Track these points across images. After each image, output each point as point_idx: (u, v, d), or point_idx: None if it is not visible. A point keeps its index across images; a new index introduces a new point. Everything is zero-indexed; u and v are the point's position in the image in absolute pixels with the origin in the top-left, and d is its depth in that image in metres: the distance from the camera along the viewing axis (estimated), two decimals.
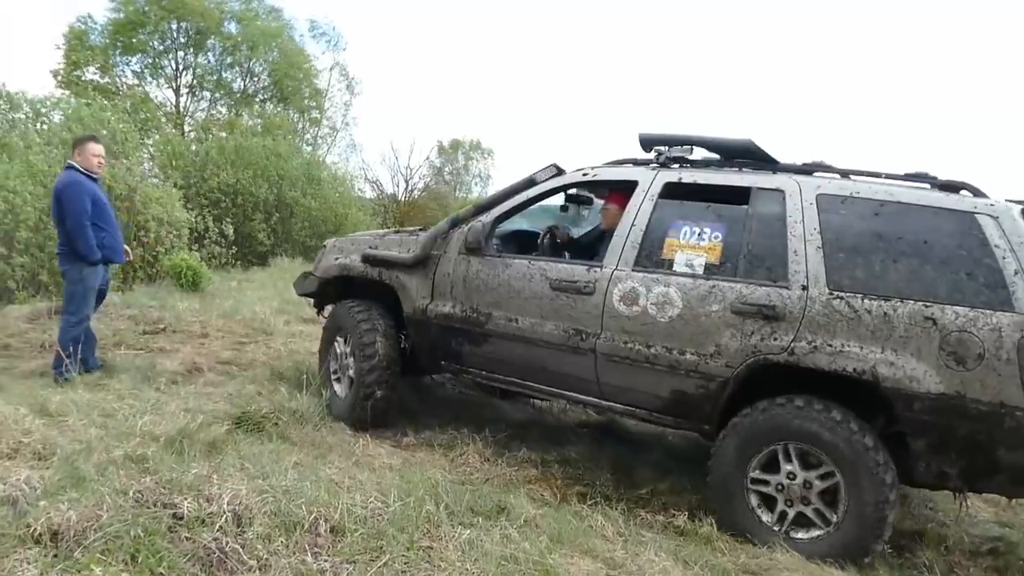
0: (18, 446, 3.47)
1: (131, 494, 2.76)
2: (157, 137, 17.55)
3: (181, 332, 6.99)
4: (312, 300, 5.70)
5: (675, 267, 4.03)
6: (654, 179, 4.32)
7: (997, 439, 3.29)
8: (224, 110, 23.86)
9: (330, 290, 5.32)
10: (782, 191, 3.93)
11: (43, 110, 10.50)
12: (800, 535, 3.60)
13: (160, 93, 23.41)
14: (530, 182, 4.75)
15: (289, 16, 24.26)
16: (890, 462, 3.49)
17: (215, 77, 23.44)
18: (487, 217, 4.68)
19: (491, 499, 3.47)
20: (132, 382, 5.13)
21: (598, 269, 4.23)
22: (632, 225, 4.23)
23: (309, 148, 22.87)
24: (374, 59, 44.09)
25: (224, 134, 17.51)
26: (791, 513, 3.63)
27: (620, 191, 4.54)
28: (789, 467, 3.62)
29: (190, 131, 21.21)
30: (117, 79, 22.71)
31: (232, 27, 22.88)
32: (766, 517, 3.67)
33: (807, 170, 4.09)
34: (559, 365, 4.31)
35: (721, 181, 4.18)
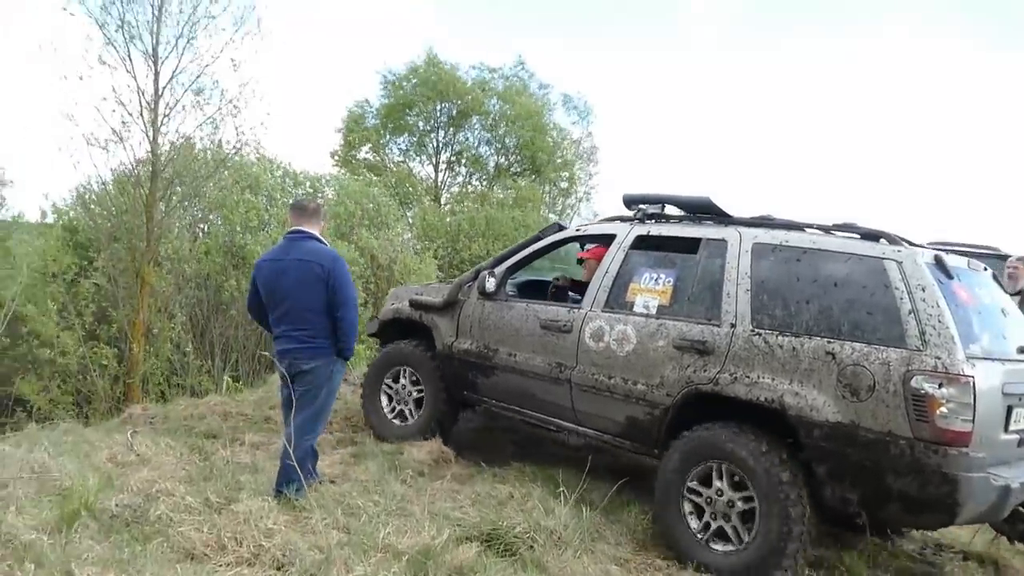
0: (258, 550, 3.38)
1: None
2: (416, 210, 18.97)
3: None
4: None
5: (635, 308, 4.66)
6: (628, 232, 4.98)
7: (885, 466, 3.59)
8: (477, 183, 25.00)
9: (389, 331, 6.37)
10: (725, 240, 4.45)
11: (319, 185, 11.95)
12: (717, 546, 4.02)
13: (422, 169, 24.99)
14: (537, 238, 5.61)
15: (545, 91, 25.11)
16: (804, 498, 3.81)
17: (472, 153, 24.67)
18: (500, 267, 5.55)
19: None
20: (379, 471, 4.96)
21: (576, 310, 4.94)
22: (606, 272, 4.91)
23: (555, 217, 23.15)
24: (613, 126, 44.11)
25: (477, 206, 18.72)
26: (713, 525, 4.07)
27: (602, 245, 5.21)
28: (719, 484, 4.06)
29: (446, 204, 22.67)
30: (386, 157, 24.40)
31: (493, 103, 23.97)
32: (694, 524, 4.13)
33: (753, 223, 4.55)
34: (545, 394, 5.03)
35: (679, 233, 4.77)
